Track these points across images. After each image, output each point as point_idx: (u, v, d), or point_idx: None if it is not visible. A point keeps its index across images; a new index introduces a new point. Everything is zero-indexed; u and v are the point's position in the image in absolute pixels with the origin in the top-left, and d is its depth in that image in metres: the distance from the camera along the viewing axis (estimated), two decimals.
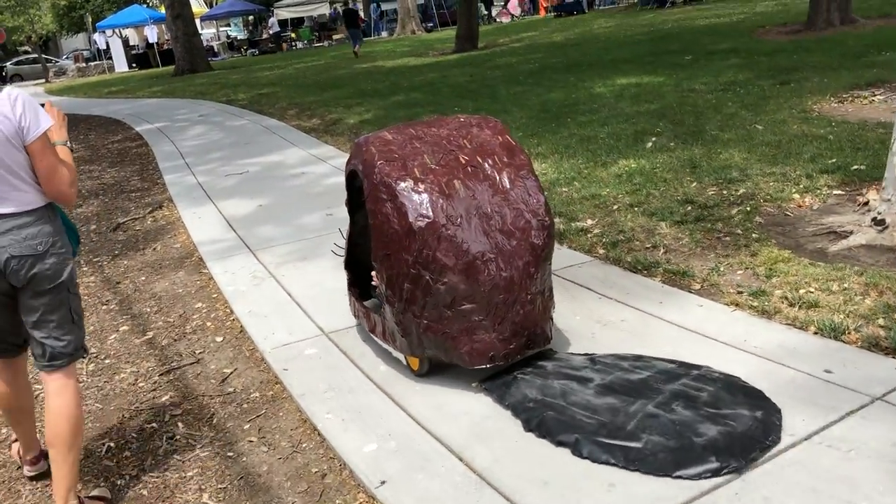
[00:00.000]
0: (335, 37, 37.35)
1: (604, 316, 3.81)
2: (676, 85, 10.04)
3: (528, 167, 3.13)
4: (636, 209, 5.40)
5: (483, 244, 2.94)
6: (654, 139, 7.21)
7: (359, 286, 3.74)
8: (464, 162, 3.08)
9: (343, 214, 6.03)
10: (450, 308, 2.94)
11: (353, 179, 3.50)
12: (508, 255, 2.95)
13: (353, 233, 3.77)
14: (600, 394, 2.91)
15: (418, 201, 2.92)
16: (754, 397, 2.87)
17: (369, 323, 3.44)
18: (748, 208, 5.06)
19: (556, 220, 5.46)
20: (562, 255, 4.72)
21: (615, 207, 5.51)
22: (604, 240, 4.91)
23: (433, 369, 3.29)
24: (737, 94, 8.92)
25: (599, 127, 8.07)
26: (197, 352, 4.15)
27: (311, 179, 7.74)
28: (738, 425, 2.68)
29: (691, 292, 3.96)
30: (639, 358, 3.21)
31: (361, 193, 3.39)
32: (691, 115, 8.05)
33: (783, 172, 5.72)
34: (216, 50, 36.67)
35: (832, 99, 7.98)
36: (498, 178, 3.07)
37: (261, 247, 5.70)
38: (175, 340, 4.33)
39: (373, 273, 3.28)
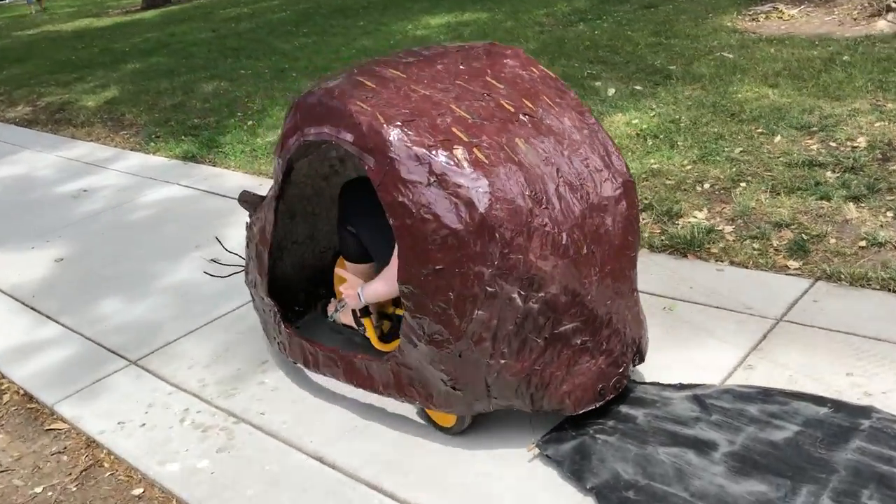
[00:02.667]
0: None
1: None
2: (515, 20, 8.41)
3: (586, 108, 2.30)
4: (734, 183, 3.75)
5: (581, 229, 2.10)
6: (611, 87, 5.45)
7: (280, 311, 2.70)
8: (511, 109, 2.19)
9: (236, 238, 3.55)
10: (544, 334, 2.09)
11: (303, 155, 2.50)
12: (609, 240, 2.14)
13: (276, 238, 2.80)
14: (736, 473, 2.04)
15: (485, 179, 1.99)
16: None
17: (338, 367, 2.46)
18: None
19: (649, 220, 3.54)
20: (747, 283, 2.92)
21: (705, 186, 3.79)
22: (772, 243, 3.20)
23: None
24: (614, 21, 7.54)
25: None
26: None
27: (108, 197, 5.10)
28: None
29: None
30: (766, 394, 2.30)
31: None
32: (605, 50, 6.45)
33: (858, 107, 4.32)
34: None
35: (741, 17, 6.83)
36: (563, 128, 2.19)
37: (140, 348, 3.22)
38: None
39: (346, 296, 2.54)
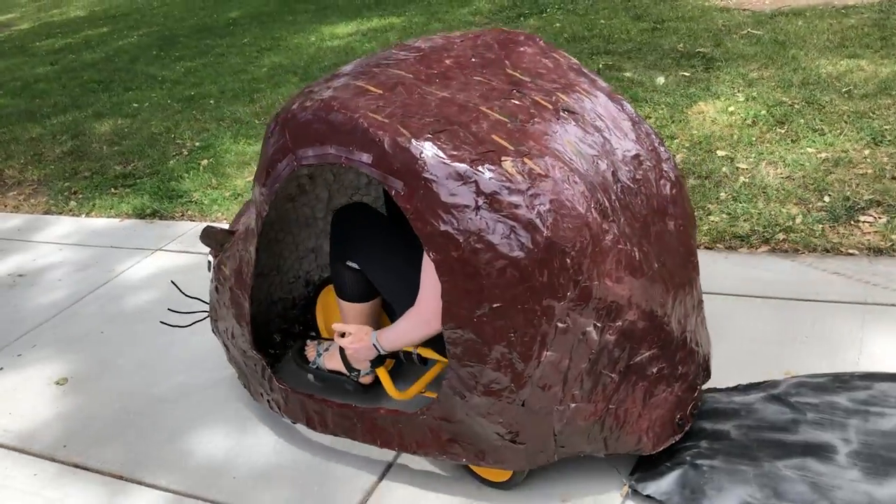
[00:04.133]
0: None
1: None
2: (440, 20, 7.62)
3: (620, 96, 2.01)
4: None
5: (648, 240, 1.85)
6: (660, 76, 4.82)
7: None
8: (549, 106, 1.89)
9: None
10: (619, 367, 1.84)
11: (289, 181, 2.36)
12: (675, 247, 1.90)
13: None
14: (872, 474, 1.81)
15: (545, 195, 1.69)
16: None
17: (356, 426, 2.13)
18: None
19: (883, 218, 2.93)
20: None
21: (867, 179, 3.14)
22: None
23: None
24: (568, 11, 6.97)
25: None
26: None
27: (69, 280, 3.79)
28: None
29: None
30: (840, 380, 2.14)
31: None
32: (597, 41, 5.87)
33: None
34: None
35: None
36: (606, 122, 1.92)
37: None
38: None
39: (354, 349, 2.23)
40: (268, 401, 2.37)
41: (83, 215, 4.68)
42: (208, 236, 2.43)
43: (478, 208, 1.69)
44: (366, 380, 2.41)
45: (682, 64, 4.97)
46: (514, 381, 1.78)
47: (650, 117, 4.23)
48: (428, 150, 1.73)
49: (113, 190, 4.94)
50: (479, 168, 1.70)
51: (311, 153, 1.90)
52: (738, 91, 4.35)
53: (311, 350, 2.53)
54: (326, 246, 2.82)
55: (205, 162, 5.03)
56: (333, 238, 2.33)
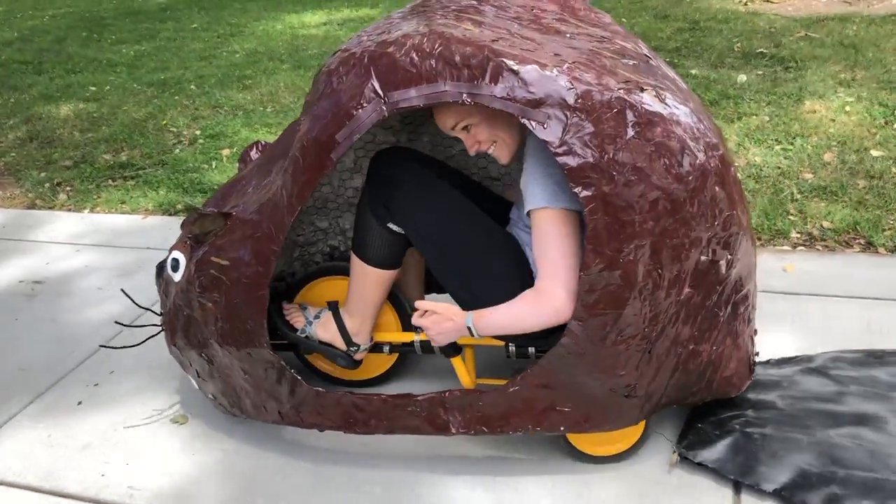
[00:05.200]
0: None
1: None
2: None
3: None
4: None
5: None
6: (741, 75, 4.54)
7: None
8: (634, 50, 1.84)
9: None
10: (728, 306, 1.81)
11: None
12: (741, 188, 1.84)
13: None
14: None
15: (692, 123, 1.66)
16: None
17: (417, 419, 1.95)
18: None
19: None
20: None
21: None
22: None
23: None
24: None
25: None
26: None
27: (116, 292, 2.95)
28: None
29: None
30: (875, 355, 2.18)
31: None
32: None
33: None
34: None
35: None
36: (670, 75, 1.85)
37: None
38: None
39: (442, 329, 1.91)
40: (279, 412, 2.06)
41: (86, 211, 3.86)
42: (200, 223, 2.00)
43: (630, 138, 1.61)
44: (360, 356, 2.18)
45: (752, 63, 4.72)
46: (649, 325, 1.72)
47: (756, 115, 3.92)
48: (576, 77, 1.63)
49: (111, 182, 4.13)
50: (628, 97, 1.62)
51: (415, 93, 1.70)
52: (840, 91, 4.11)
53: (295, 315, 2.19)
54: (309, 233, 2.46)
55: (227, 151, 4.29)
56: (373, 191, 1.97)
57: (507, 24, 1.86)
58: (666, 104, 1.65)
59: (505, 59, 1.65)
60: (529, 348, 2.05)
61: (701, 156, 1.64)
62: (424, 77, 1.69)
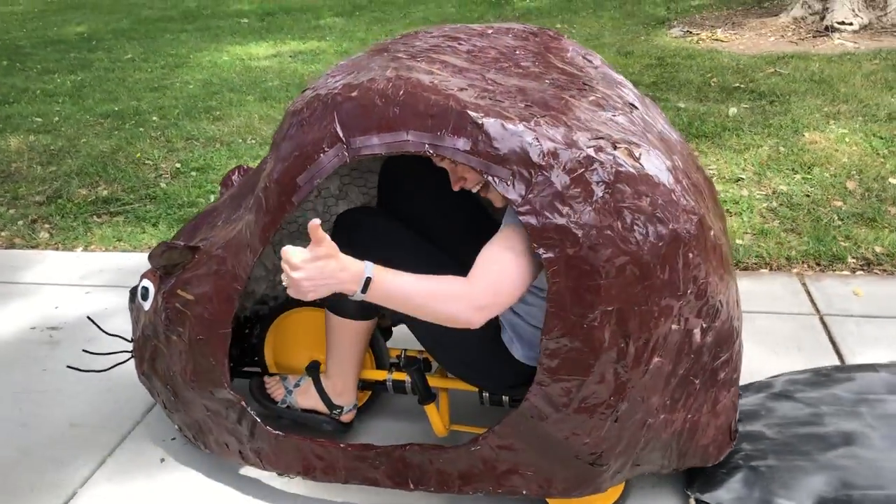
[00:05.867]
0: None
1: None
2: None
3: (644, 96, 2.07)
4: None
5: (724, 235, 1.86)
6: (732, 107, 4.69)
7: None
8: (619, 100, 1.82)
9: None
10: (703, 373, 1.76)
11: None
12: (727, 245, 1.89)
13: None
14: None
15: (663, 185, 1.59)
16: None
17: (375, 469, 1.89)
18: None
19: None
20: None
21: None
22: None
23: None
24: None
25: None
26: None
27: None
28: None
29: None
30: (820, 373, 2.26)
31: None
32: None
33: None
34: None
35: (679, 39, 6.57)
36: (656, 120, 1.89)
37: None
38: None
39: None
40: (240, 452, 1.99)
41: (78, 249, 3.54)
42: (168, 255, 1.96)
43: (598, 199, 1.54)
44: (347, 417, 2.10)
45: (735, 97, 4.88)
46: (614, 393, 1.65)
47: (760, 146, 4.04)
48: (541, 135, 1.56)
49: (96, 218, 3.83)
50: (598, 155, 1.56)
51: (377, 141, 1.63)
52: (831, 123, 4.30)
53: (275, 387, 2.13)
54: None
55: (212, 185, 4.06)
56: (336, 242, 1.75)
57: (482, 69, 1.80)
58: (640, 163, 1.58)
59: (469, 111, 1.59)
60: (504, 396, 2.01)
61: (674, 220, 1.57)
62: (387, 125, 1.63)
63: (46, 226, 3.81)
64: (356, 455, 1.87)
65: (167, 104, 5.58)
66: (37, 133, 5.11)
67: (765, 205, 3.45)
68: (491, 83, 1.72)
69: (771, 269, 3.01)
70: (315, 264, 1.46)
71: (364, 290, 1.50)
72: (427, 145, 1.60)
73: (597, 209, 1.54)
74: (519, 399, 1.93)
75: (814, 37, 6.36)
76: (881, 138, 4.04)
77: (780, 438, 2.00)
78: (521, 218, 1.54)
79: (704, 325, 1.68)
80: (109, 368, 2.33)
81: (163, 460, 2.18)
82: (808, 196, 3.49)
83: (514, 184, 1.56)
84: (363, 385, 2.16)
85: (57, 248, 3.59)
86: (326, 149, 1.67)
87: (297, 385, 2.11)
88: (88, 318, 2.39)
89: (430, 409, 2.03)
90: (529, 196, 1.55)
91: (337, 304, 1.95)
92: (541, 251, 1.54)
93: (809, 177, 3.67)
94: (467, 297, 1.54)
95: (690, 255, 1.60)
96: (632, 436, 1.73)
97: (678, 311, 1.62)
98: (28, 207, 3.99)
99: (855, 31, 6.34)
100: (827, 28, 6.41)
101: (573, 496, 1.80)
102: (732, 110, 4.59)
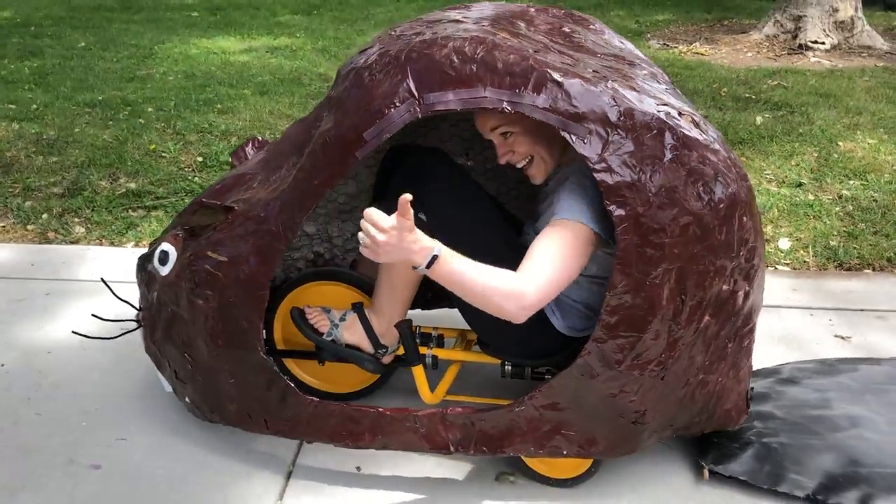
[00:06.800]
0: None
1: None
2: (365, 33, 6.88)
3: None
4: None
5: None
6: (758, 117, 4.81)
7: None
8: (663, 80, 1.93)
9: None
10: (736, 336, 1.84)
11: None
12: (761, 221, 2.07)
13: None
14: None
15: (723, 150, 1.72)
16: None
17: (414, 434, 1.89)
18: None
19: None
20: None
21: None
22: None
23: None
24: None
25: None
26: None
27: None
28: None
29: None
30: (826, 363, 2.39)
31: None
32: None
33: None
34: None
35: (660, 50, 6.72)
36: (687, 101, 2.05)
37: None
38: None
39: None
40: (265, 421, 1.95)
41: (128, 245, 3.24)
42: (201, 214, 1.93)
43: (667, 161, 1.62)
44: (387, 359, 2.10)
45: (752, 108, 5.01)
46: (666, 350, 1.71)
47: (804, 153, 4.16)
48: (618, 95, 1.64)
49: (132, 212, 3.53)
50: (669, 120, 1.64)
51: (452, 97, 1.67)
52: (857, 133, 4.47)
53: (318, 318, 2.07)
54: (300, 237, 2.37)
55: None
56: (405, 182, 1.90)
57: (541, 38, 1.85)
58: (701, 130, 1.68)
59: (549, 71, 1.65)
60: (526, 368, 2.05)
61: (733, 185, 1.67)
62: (464, 81, 1.67)
63: (77, 220, 3.47)
64: (395, 418, 1.85)
65: (157, 96, 5.22)
66: (20, 121, 4.66)
67: (838, 208, 3.54)
68: (554, 51, 1.77)
69: (874, 270, 3.08)
70: (398, 233, 1.55)
71: (429, 265, 1.59)
72: (505, 102, 1.64)
73: (666, 170, 1.62)
74: (542, 371, 2.04)
75: (789, 54, 6.65)
76: None
77: (790, 419, 2.09)
78: (595, 175, 1.60)
79: (748, 289, 1.76)
80: (116, 337, 2.24)
81: (359, 468, 1.99)
82: (875, 201, 3.60)
83: (591, 142, 1.62)
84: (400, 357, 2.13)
85: (101, 244, 3.27)
86: (398, 104, 1.68)
87: (342, 319, 2.05)
88: (102, 279, 2.31)
89: (419, 372, 2.02)
90: (605, 154, 1.62)
91: None
92: (613, 207, 1.61)
93: (867, 183, 3.80)
94: (518, 298, 1.62)
95: (745, 218, 1.69)
96: (673, 394, 1.79)
97: (730, 273, 1.70)
98: (49, 200, 3.62)
99: (827, 51, 6.67)
100: (801, 46, 6.71)
101: (611, 457, 1.86)
102: (759, 119, 4.71)
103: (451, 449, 1.86)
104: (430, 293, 2.33)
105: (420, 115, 1.68)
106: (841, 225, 3.39)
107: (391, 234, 1.55)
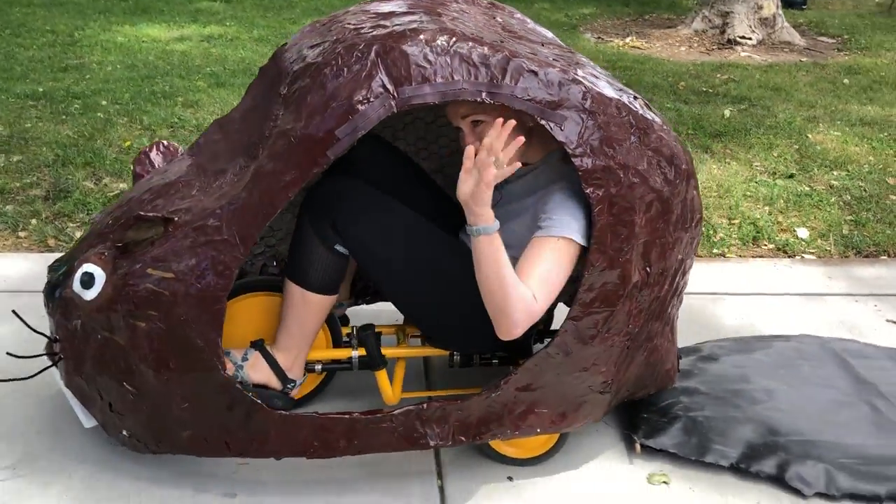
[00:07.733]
0: None
1: None
2: (298, 27, 6.68)
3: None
4: None
5: None
6: (726, 110, 5.00)
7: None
8: (597, 67, 2.04)
9: None
10: (676, 300, 2.04)
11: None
12: None
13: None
14: (824, 409, 2.27)
15: (670, 131, 1.88)
16: None
17: (392, 436, 1.90)
18: None
19: None
20: None
21: None
22: None
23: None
24: None
25: None
26: None
27: None
28: None
29: None
30: (742, 341, 2.61)
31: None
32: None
33: None
34: None
35: (595, 43, 6.88)
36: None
37: None
38: None
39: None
40: (226, 443, 1.86)
41: None
42: (138, 229, 1.78)
43: (632, 142, 1.76)
44: (296, 393, 2.04)
45: (714, 101, 5.20)
46: (632, 319, 1.85)
47: (782, 145, 4.36)
48: (587, 83, 1.74)
49: None
50: (630, 103, 1.78)
51: (429, 90, 1.67)
52: (821, 125, 4.73)
53: (226, 364, 1.99)
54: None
55: None
56: (317, 212, 1.89)
57: (497, 29, 1.88)
58: (654, 113, 1.84)
59: (524, 60, 1.71)
60: (474, 356, 2.08)
61: (684, 162, 1.84)
62: (440, 74, 1.68)
63: (72, 224, 3.19)
64: (370, 421, 1.83)
65: (105, 88, 4.88)
66: None
67: (834, 198, 3.73)
68: (510, 40, 1.80)
69: (889, 256, 3.27)
70: (492, 177, 1.59)
71: (484, 231, 1.63)
72: (484, 93, 1.68)
73: (632, 151, 1.74)
74: (487, 358, 2.09)
75: (719, 48, 6.95)
76: (877, 140, 4.52)
77: (713, 393, 2.28)
78: (574, 160, 1.69)
79: (693, 256, 1.96)
80: (33, 376, 1.98)
81: (511, 478, 1.93)
82: (865, 191, 3.82)
83: (567, 127, 1.70)
84: (323, 367, 2.08)
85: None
86: (371, 99, 1.66)
87: (244, 359, 1.97)
88: (13, 311, 1.99)
89: (381, 375, 2.00)
90: (581, 139, 1.70)
91: (301, 275, 1.89)
92: (590, 189, 1.70)
93: (849, 173, 4.02)
94: (529, 304, 1.67)
95: (693, 192, 1.88)
96: (634, 360, 1.94)
97: (685, 243, 1.88)
98: (32, 203, 3.32)
99: (753, 46, 7.01)
100: (729, 41, 7.03)
101: (576, 427, 1.94)
102: (727, 112, 4.90)
103: (431, 444, 1.87)
104: (361, 283, 2.34)
105: (396, 110, 1.67)
106: (844, 213, 3.58)
107: (490, 175, 1.58)
